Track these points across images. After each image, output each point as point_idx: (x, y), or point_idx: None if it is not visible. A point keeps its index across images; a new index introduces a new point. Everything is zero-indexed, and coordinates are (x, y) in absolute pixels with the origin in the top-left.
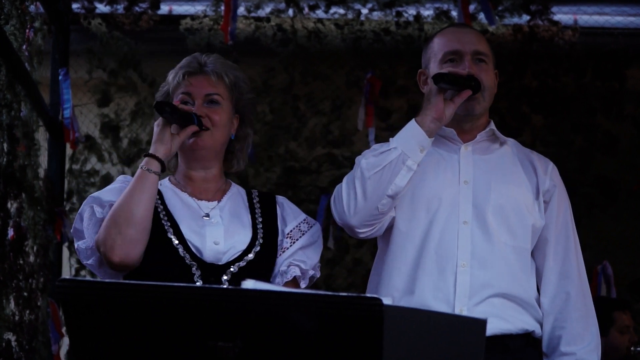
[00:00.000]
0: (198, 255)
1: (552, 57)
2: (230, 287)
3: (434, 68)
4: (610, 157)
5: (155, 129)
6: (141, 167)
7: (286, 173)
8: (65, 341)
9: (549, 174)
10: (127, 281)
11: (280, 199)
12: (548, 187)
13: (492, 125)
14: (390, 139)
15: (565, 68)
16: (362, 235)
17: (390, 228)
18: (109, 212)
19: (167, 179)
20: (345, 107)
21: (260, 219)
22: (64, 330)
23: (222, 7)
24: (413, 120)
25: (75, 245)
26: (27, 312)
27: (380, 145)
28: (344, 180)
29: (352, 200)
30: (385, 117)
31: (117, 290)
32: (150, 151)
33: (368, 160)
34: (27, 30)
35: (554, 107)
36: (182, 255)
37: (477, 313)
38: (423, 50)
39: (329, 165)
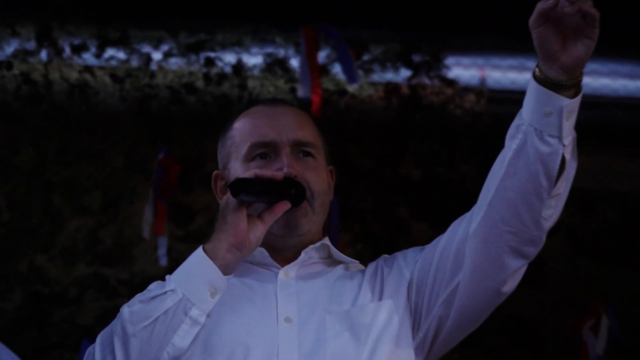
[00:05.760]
0: None
1: (445, 133)
2: None
3: (235, 169)
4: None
5: None
6: None
7: (30, 302)
8: None
9: (380, 267)
10: None
11: None
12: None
13: (327, 241)
14: (167, 276)
15: (465, 151)
16: None
17: None
18: None
19: None
20: (124, 203)
21: None
22: None
23: None
24: (200, 248)
25: None
26: None
27: (157, 285)
28: (98, 338)
29: None
30: (187, 220)
31: None
32: None
33: (133, 309)
34: None
35: (447, 211)
36: None
37: None
38: (219, 142)
39: (96, 292)
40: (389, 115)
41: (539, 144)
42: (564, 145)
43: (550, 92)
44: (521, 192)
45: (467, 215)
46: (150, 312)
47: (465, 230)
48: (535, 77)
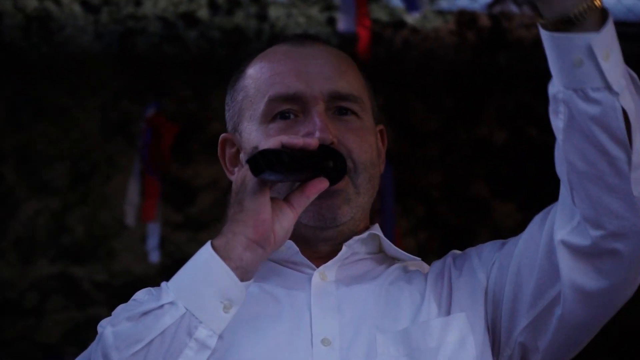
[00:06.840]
0: None
1: (538, 80)
2: None
3: (249, 132)
4: None
5: None
6: None
7: None
8: None
9: (448, 268)
10: None
11: None
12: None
13: (377, 229)
14: (164, 283)
15: None
16: None
17: None
18: None
19: None
20: (99, 178)
21: None
22: None
23: None
24: (208, 245)
25: None
26: None
27: (149, 294)
28: None
29: None
30: (186, 200)
31: None
32: None
33: (118, 329)
34: None
35: (541, 187)
36: None
37: None
38: (228, 94)
39: (63, 299)
40: (462, 56)
41: (587, 107)
42: (617, 94)
43: (564, 34)
44: (596, 177)
45: (553, 208)
46: (142, 333)
47: (549, 234)
48: (541, 25)
